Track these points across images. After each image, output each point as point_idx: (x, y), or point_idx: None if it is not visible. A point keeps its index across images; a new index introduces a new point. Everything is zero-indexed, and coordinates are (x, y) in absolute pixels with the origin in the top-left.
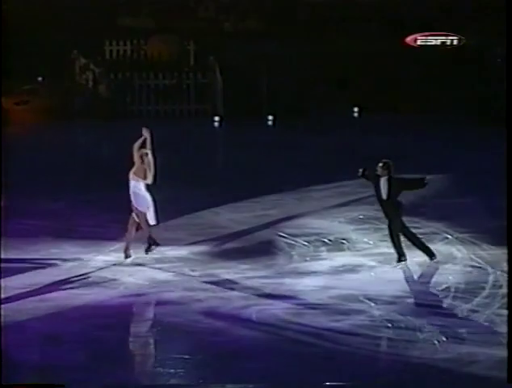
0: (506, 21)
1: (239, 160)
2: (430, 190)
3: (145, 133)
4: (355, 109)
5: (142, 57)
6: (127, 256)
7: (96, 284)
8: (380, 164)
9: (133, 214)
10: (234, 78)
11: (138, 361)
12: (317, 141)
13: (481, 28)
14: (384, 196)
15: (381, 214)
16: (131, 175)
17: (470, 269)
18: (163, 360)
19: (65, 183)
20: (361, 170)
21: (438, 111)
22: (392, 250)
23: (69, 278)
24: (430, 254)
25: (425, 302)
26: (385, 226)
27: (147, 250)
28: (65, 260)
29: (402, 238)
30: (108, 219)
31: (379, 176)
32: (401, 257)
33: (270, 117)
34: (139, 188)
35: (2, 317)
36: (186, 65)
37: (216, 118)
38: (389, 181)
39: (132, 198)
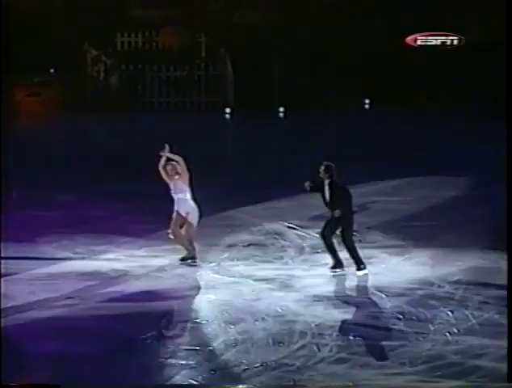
0: (506, 21)
1: (250, 152)
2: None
3: (165, 152)
4: (367, 101)
5: (153, 49)
6: (193, 257)
7: (108, 276)
8: (322, 167)
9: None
10: (245, 70)
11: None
12: (328, 132)
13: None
14: (327, 199)
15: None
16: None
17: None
18: (174, 352)
19: (77, 175)
20: (307, 183)
21: (452, 102)
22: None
23: (81, 270)
24: (360, 264)
25: (437, 294)
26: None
27: (183, 259)
28: (77, 252)
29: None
30: (120, 211)
31: (322, 180)
32: (338, 264)
33: (282, 109)
34: (183, 197)
35: (10, 312)
36: (198, 56)
37: (227, 110)
38: (330, 185)
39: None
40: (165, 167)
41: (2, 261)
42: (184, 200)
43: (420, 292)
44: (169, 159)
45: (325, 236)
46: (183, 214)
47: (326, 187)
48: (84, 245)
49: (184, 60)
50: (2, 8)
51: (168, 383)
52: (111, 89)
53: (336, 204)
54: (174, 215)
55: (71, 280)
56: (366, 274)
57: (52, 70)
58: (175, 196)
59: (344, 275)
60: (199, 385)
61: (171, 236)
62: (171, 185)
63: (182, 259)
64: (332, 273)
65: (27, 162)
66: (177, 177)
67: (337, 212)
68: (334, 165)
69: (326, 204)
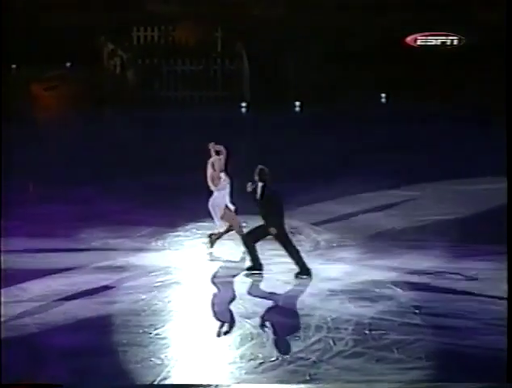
0: (506, 21)
1: (266, 145)
2: None
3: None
4: (383, 95)
5: (170, 43)
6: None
7: (124, 269)
8: (256, 170)
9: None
10: (261, 64)
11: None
12: (344, 127)
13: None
14: (258, 202)
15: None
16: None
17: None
18: (190, 345)
19: (93, 169)
20: (249, 184)
21: (467, 99)
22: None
23: (97, 263)
24: (305, 270)
25: (453, 288)
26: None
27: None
28: (93, 245)
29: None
30: (135, 205)
31: (255, 182)
32: (256, 266)
33: (298, 103)
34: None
35: (28, 305)
36: (214, 51)
37: (243, 104)
38: (263, 189)
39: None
40: (213, 163)
41: (17, 255)
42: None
43: (437, 286)
44: (217, 153)
45: (248, 239)
46: (232, 208)
47: (259, 191)
48: (100, 238)
49: (200, 54)
50: (17, 2)
51: (167, 383)
52: (128, 83)
53: (267, 208)
54: (224, 209)
55: (88, 274)
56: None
57: (68, 64)
58: (224, 192)
59: (357, 270)
60: (198, 385)
61: (221, 229)
62: (221, 180)
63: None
64: (248, 274)
65: (43, 156)
66: (223, 172)
67: (272, 230)
68: (268, 169)
69: (258, 206)
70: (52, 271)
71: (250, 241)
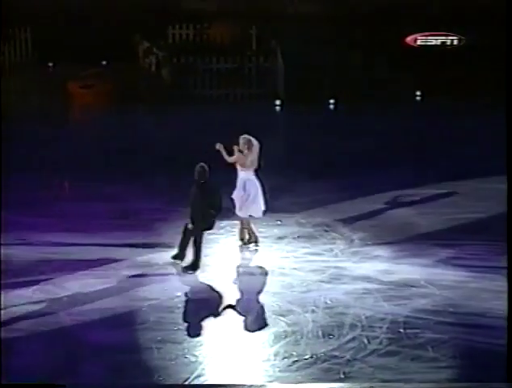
0: (506, 21)
1: (299, 144)
2: None
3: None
4: (418, 93)
5: (205, 41)
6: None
7: (158, 266)
8: (197, 168)
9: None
10: (296, 62)
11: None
12: (378, 124)
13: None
14: (192, 200)
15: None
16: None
17: None
18: (225, 342)
19: (128, 167)
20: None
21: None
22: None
23: (133, 260)
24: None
25: (488, 287)
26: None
27: (245, 243)
28: (128, 242)
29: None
30: (171, 202)
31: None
32: (180, 256)
33: (332, 101)
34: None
35: (62, 303)
36: (249, 48)
37: (278, 102)
38: (202, 186)
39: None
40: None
41: (54, 250)
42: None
43: (472, 285)
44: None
45: (200, 234)
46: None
47: (198, 188)
48: (136, 235)
49: (235, 52)
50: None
51: (202, 380)
52: (163, 81)
53: (206, 204)
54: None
55: (123, 270)
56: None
57: (104, 63)
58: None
59: (392, 268)
60: (198, 385)
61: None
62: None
63: (244, 243)
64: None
65: (78, 154)
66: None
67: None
68: (208, 167)
69: (191, 203)
70: (88, 267)
71: (201, 237)
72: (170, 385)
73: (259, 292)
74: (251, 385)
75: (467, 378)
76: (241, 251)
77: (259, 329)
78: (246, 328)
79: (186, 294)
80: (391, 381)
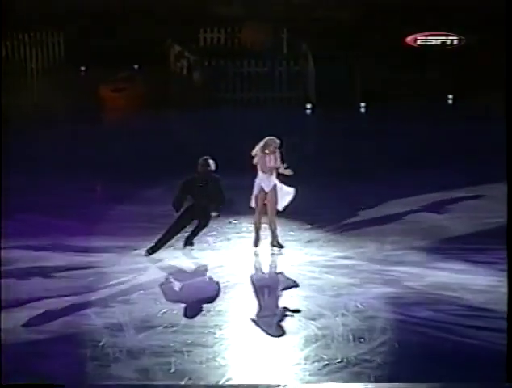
0: (506, 21)
1: (330, 147)
2: None
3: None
4: (449, 96)
5: (236, 45)
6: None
7: (188, 268)
8: (201, 162)
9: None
10: (327, 66)
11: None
12: (409, 128)
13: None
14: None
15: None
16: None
17: None
18: (253, 345)
19: (160, 170)
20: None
21: None
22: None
23: (162, 262)
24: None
25: None
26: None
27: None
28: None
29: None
30: None
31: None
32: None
33: (363, 104)
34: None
35: (92, 304)
36: (279, 52)
37: (308, 105)
38: (209, 176)
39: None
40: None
41: (82, 253)
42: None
43: (503, 289)
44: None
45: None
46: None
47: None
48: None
49: (266, 55)
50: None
51: (233, 383)
52: (194, 85)
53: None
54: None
55: (153, 273)
56: None
57: (136, 66)
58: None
59: (423, 272)
60: (199, 386)
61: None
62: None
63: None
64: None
65: (110, 157)
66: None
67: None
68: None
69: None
70: (116, 270)
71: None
72: (171, 386)
73: (289, 295)
74: (280, 385)
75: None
76: (270, 254)
77: (290, 333)
78: (276, 332)
79: (214, 297)
80: (397, 382)
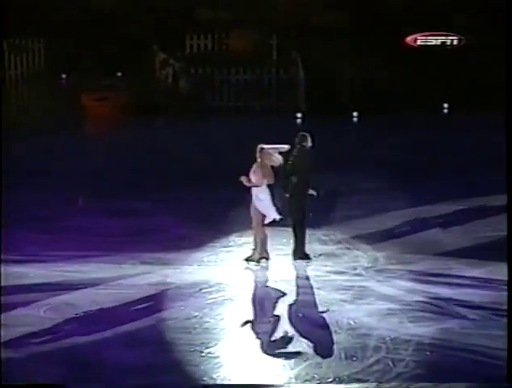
0: (506, 21)
1: (322, 157)
2: None
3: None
4: (445, 105)
5: (223, 52)
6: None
7: (174, 285)
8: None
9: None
10: (318, 74)
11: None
12: (404, 138)
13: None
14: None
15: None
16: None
17: None
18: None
19: (144, 181)
20: None
21: None
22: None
23: (148, 279)
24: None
25: None
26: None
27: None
28: (144, 260)
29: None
30: (187, 219)
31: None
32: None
33: (355, 114)
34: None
35: (74, 321)
36: (269, 59)
37: (299, 114)
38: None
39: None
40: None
41: (64, 268)
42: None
43: (500, 306)
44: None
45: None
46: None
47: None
48: (151, 253)
49: (254, 63)
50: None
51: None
52: (180, 93)
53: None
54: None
55: (138, 289)
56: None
57: (119, 74)
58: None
59: (417, 287)
60: (200, 386)
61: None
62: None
63: (249, 260)
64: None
65: (93, 167)
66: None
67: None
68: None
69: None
70: (100, 285)
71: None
72: (172, 386)
73: (279, 312)
74: (256, 385)
75: None
76: (258, 269)
77: (279, 351)
78: (267, 350)
79: (203, 314)
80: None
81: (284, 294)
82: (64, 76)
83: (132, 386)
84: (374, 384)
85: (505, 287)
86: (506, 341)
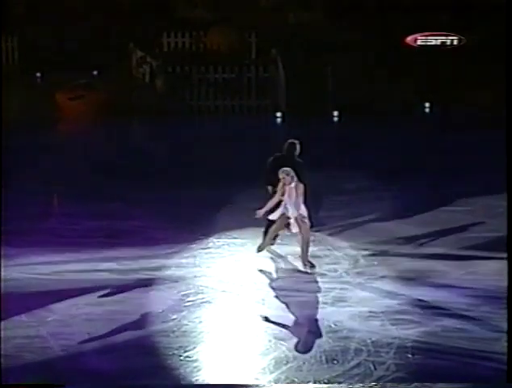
0: (506, 21)
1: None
2: None
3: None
4: (426, 104)
5: (201, 50)
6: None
7: (152, 288)
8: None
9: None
10: (297, 72)
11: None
12: (384, 138)
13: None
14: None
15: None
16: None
17: None
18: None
19: (121, 181)
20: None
21: None
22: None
23: (125, 282)
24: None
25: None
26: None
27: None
28: (120, 263)
29: None
30: (163, 220)
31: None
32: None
33: (336, 113)
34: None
35: (52, 324)
36: (248, 58)
37: (278, 114)
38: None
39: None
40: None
41: (40, 273)
42: None
43: (484, 308)
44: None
45: None
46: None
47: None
48: (128, 256)
49: (233, 61)
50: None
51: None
52: (157, 92)
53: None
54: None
55: (115, 293)
56: None
57: (95, 72)
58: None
59: (399, 289)
60: (200, 386)
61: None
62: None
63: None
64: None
65: (69, 168)
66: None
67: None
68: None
69: None
70: (78, 290)
71: None
72: (175, 386)
73: (259, 314)
74: (248, 385)
75: None
76: (237, 271)
77: (259, 354)
78: (246, 353)
79: (181, 317)
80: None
81: (264, 297)
82: (38, 74)
83: (132, 386)
84: (372, 384)
85: (489, 288)
86: (506, 341)
